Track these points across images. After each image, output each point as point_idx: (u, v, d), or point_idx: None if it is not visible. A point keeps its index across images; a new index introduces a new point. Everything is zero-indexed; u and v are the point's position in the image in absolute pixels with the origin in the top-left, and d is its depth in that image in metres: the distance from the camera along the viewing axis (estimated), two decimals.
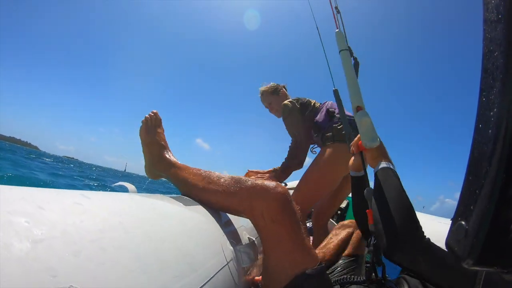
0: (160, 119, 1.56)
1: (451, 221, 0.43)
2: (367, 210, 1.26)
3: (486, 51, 0.39)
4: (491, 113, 0.38)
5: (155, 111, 1.55)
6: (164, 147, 1.49)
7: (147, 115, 1.53)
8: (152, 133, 1.50)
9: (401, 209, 1.03)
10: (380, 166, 1.20)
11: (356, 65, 1.85)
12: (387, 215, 1.04)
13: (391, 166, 1.20)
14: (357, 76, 1.85)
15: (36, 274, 0.42)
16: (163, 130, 1.55)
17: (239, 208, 1.15)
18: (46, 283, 0.42)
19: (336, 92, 1.80)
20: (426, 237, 0.98)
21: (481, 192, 0.38)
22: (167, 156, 1.46)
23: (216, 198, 1.20)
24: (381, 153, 1.27)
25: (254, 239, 1.22)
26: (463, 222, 0.40)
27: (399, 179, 1.15)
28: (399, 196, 1.07)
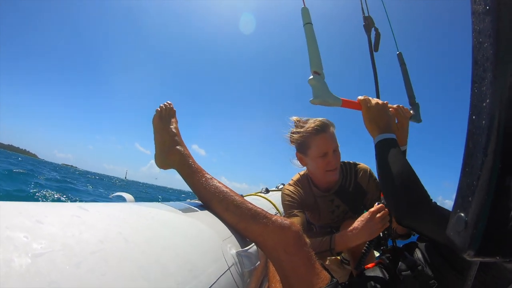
0: (174, 110, 1.55)
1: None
2: None
3: (475, 43, 0.40)
4: (484, 104, 0.38)
5: (169, 102, 1.55)
6: (176, 137, 1.47)
7: (161, 105, 1.53)
8: (165, 121, 1.49)
9: (404, 178, 1.11)
10: (376, 140, 1.27)
11: (377, 36, 1.84)
12: (392, 186, 1.12)
13: (388, 136, 1.25)
14: (377, 49, 1.82)
15: None
16: (177, 121, 1.54)
17: (252, 239, 1.23)
18: None
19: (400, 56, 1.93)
20: (433, 200, 1.06)
21: (478, 183, 0.38)
22: (180, 148, 1.43)
23: (231, 221, 1.24)
24: (375, 122, 1.31)
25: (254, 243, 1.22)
26: (462, 214, 0.40)
27: (397, 147, 1.21)
28: (400, 166, 1.14)
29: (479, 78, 0.39)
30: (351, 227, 1.53)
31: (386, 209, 1.41)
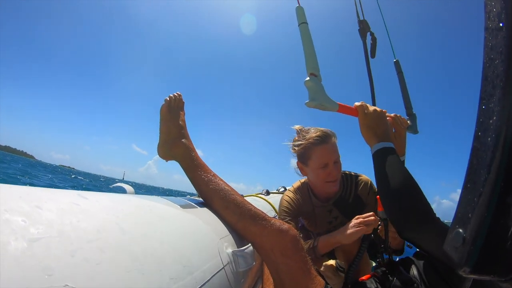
0: (183, 102, 1.52)
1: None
2: (377, 197, 1.31)
3: (486, 59, 0.39)
4: (491, 121, 0.38)
5: (179, 92, 1.51)
6: (182, 129, 1.44)
7: (171, 95, 1.48)
8: (173, 112, 1.45)
9: (406, 190, 1.07)
10: (374, 149, 1.23)
11: (373, 41, 1.77)
12: (393, 198, 1.09)
13: (386, 145, 1.22)
14: (374, 55, 1.75)
15: (31, 273, 0.42)
16: (184, 113, 1.51)
17: (250, 239, 1.22)
18: (42, 282, 0.42)
19: (397, 64, 1.88)
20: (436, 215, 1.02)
21: (479, 199, 0.38)
22: (185, 141, 1.41)
23: (230, 219, 1.24)
24: (372, 130, 1.27)
25: (250, 243, 1.22)
26: (460, 230, 0.40)
27: (396, 157, 1.17)
28: (401, 177, 1.10)
29: (488, 95, 0.39)
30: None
31: (372, 218, 1.42)
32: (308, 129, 1.88)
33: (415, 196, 1.06)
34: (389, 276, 1.17)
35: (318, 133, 1.79)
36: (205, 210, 1.20)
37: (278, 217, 1.97)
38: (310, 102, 1.19)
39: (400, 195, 1.07)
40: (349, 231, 1.48)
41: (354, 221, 1.50)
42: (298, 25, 1.29)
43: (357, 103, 1.33)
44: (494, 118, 0.37)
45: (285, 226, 1.18)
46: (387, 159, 1.16)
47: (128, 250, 0.62)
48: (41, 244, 0.46)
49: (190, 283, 0.75)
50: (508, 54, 0.36)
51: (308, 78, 1.20)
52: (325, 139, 1.78)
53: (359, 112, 1.31)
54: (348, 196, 1.97)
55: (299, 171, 1.99)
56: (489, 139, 0.38)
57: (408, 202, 1.06)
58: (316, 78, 1.21)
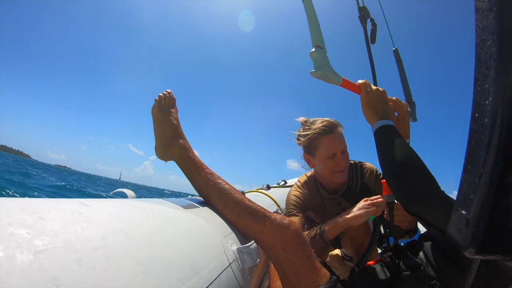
0: (174, 99, 1.50)
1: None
2: (382, 181, 1.33)
3: (478, 40, 0.39)
4: (487, 102, 0.38)
5: (169, 90, 1.49)
6: (177, 129, 1.42)
7: (160, 94, 1.47)
8: (165, 112, 1.43)
9: (410, 164, 1.08)
10: (375, 127, 1.24)
11: (374, 27, 1.77)
12: (397, 173, 1.09)
13: (387, 123, 1.23)
14: (374, 41, 1.75)
15: (40, 285, 0.42)
16: (177, 111, 1.49)
17: (251, 237, 1.21)
18: None
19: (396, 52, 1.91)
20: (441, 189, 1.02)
21: (480, 180, 0.38)
22: (180, 141, 1.39)
23: (230, 218, 1.24)
24: (373, 108, 1.28)
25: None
26: (463, 211, 0.40)
27: (398, 134, 1.18)
28: (403, 152, 1.10)
29: (482, 76, 0.39)
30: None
31: (381, 199, 1.41)
32: (314, 120, 1.87)
33: (419, 170, 1.06)
34: (396, 260, 1.17)
35: (324, 123, 1.79)
36: (206, 209, 1.20)
37: (286, 212, 1.96)
38: (316, 72, 1.19)
39: (403, 170, 1.07)
40: (358, 212, 1.45)
41: (362, 203, 1.48)
42: (302, 1, 1.28)
43: (360, 81, 1.34)
44: (490, 98, 0.37)
45: (286, 221, 1.17)
46: (388, 136, 1.17)
47: (133, 255, 0.62)
48: (47, 255, 0.46)
49: (198, 283, 0.75)
50: (500, 34, 0.37)
51: (313, 50, 1.20)
52: (331, 128, 1.77)
53: (362, 90, 1.32)
54: (355, 186, 1.97)
55: (306, 163, 1.98)
56: (486, 120, 0.38)
57: (412, 177, 1.06)
58: (322, 50, 1.21)
